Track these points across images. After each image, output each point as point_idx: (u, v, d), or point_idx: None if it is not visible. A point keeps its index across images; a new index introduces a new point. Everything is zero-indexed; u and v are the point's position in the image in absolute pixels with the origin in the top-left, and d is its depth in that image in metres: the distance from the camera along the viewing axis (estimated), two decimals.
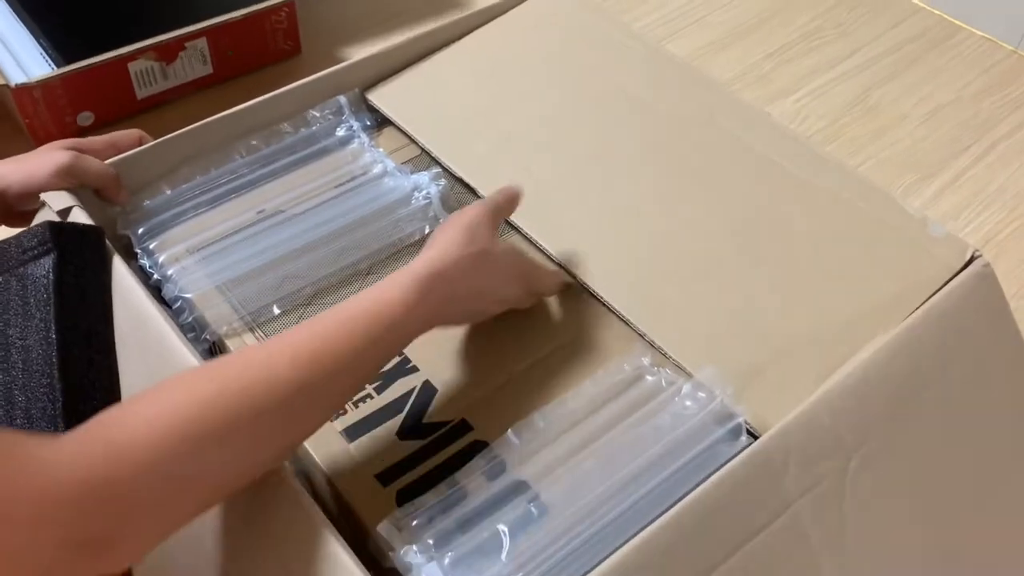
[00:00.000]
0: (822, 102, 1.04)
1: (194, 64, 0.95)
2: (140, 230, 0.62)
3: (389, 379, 0.56)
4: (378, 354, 0.49)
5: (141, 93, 0.93)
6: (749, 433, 0.52)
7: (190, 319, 0.58)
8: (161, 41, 0.91)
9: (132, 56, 0.90)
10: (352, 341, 0.47)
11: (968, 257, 0.60)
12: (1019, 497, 0.62)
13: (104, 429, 0.40)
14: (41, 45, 0.91)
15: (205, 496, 0.44)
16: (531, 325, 0.59)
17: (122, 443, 0.39)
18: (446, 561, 0.47)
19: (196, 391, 0.42)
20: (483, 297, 0.55)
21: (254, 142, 0.67)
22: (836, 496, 0.53)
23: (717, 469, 0.50)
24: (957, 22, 1.13)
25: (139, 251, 0.62)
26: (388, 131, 0.71)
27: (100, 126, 0.92)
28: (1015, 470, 0.62)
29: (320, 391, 0.46)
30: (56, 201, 0.60)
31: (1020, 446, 0.62)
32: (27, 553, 0.37)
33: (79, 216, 0.59)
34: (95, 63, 0.88)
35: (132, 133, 0.66)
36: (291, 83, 0.70)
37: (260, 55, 1.00)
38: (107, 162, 0.63)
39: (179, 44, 0.92)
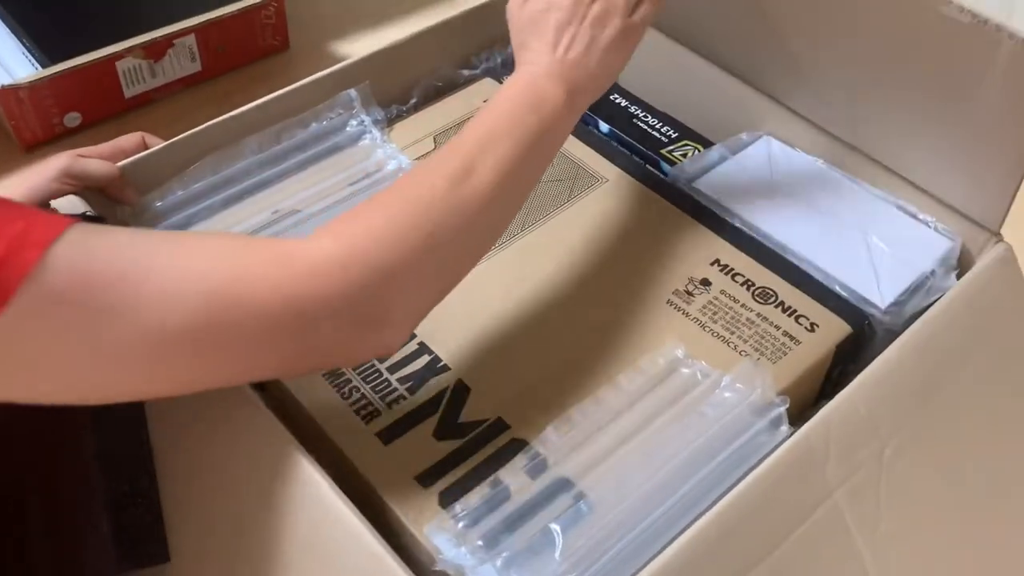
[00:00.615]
0: None
1: (183, 61, 0.93)
2: None
3: (420, 379, 0.55)
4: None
5: (129, 92, 0.91)
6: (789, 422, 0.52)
7: None
8: (149, 39, 0.88)
9: (120, 55, 0.87)
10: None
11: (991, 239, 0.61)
12: None
13: (357, 222, 0.44)
14: (24, 45, 0.88)
15: (455, 269, 0.48)
16: (560, 318, 0.59)
17: (379, 230, 0.44)
18: (499, 562, 0.46)
19: (423, 179, 0.47)
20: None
21: (265, 140, 0.65)
22: (873, 483, 0.53)
23: (761, 460, 0.50)
24: None
25: None
26: (400, 125, 0.70)
27: (88, 126, 0.89)
28: None
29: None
30: (66, 209, 0.58)
31: None
32: (314, 341, 0.42)
33: None
34: (83, 63, 0.85)
35: (135, 136, 0.65)
36: (280, 78, 0.69)
37: (249, 51, 0.98)
38: (117, 165, 0.61)
39: (167, 41, 0.90)
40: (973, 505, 0.58)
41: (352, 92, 0.68)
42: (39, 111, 0.86)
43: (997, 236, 0.62)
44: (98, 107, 0.89)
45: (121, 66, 0.88)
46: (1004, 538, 0.60)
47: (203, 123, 0.65)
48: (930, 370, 0.56)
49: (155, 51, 0.90)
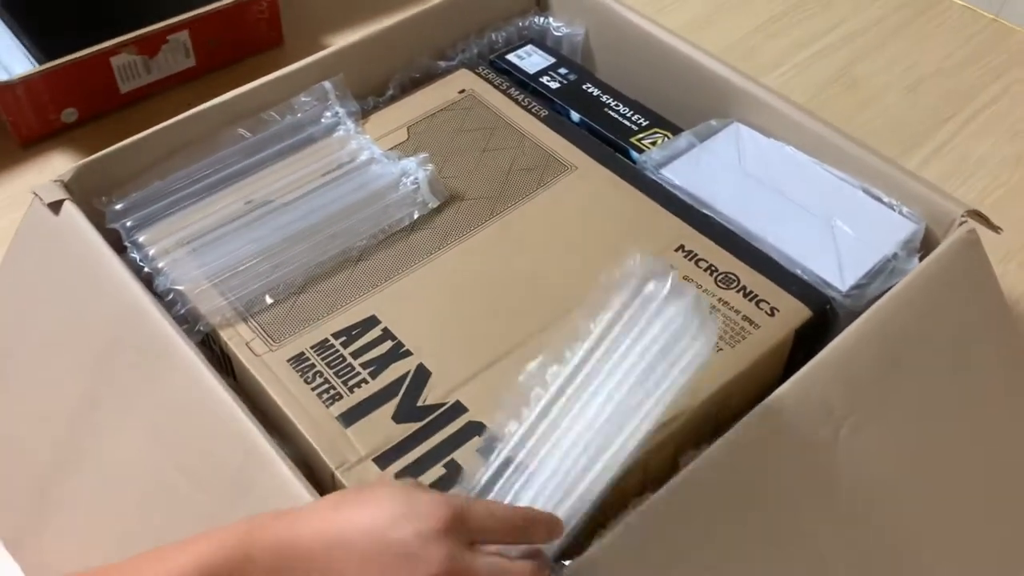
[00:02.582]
0: (806, 76, 1.05)
1: (177, 57, 0.94)
2: (128, 223, 0.63)
3: (383, 364, 0.57)
4: None
5: (124, 87, 0.93)
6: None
7: (183, 311, 0.58)
8: (143, 34, 0.90)
9: (114, 50, 0.89)
10: None
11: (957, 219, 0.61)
12: (1008, 450, 0.62)
13: None
14: (23, 44, 0.91)
15: None
16: (525, 304, 0.60)
17: None
18: None
19: None
20: None
21: (240, 131, 0.67)
22: (827, 466, 0.53)
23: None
24: None
25: (128, 244, 0.62)
26: (375, 116, 0.71)
27: (86, 121, 0.92)
28: (1001, 429, 0.63)
29: None
30: (47, 194, 0.60)
31: (1004, 405, 0.63)
32: None
33: (70, 210, 0.60)
34: (77, 58, 0.87)
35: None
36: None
37: (242, 46, 0.99)
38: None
39: (161, 37, 0.92)
40: (933, 475, 0.58)
41: (327, 84, 0.70)
42: (36, 107, 0.88)
43: (963, 219, 0.62)
44: (94, 102, 0.92)
45: (116, 62, 0.91)
46: (964, 506, 0.60)
47: None
48: (887, 350, 0.56)
49: (149, 47, 0.92)
